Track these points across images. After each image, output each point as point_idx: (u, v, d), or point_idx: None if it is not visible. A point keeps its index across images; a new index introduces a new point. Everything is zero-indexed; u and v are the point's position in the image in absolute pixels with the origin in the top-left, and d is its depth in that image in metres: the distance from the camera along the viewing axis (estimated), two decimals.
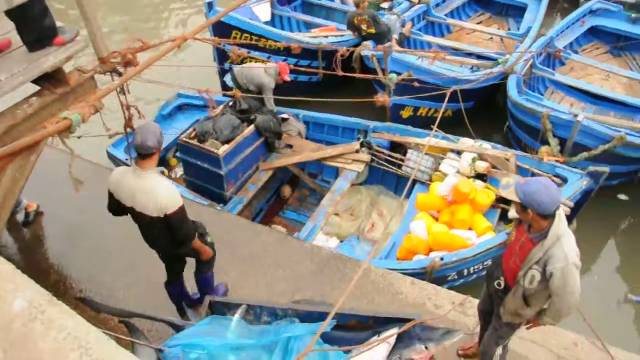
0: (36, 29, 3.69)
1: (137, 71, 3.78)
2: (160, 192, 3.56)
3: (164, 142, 3.82)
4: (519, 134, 7.47)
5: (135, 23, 12.17)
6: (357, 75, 5.81)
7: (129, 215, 3.84)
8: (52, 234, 5.68)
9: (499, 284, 3.39)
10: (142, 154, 3.53)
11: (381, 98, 5.45)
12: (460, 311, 4.61)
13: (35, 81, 3.74)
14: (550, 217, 2.96)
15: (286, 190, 7.22)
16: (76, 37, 3.88)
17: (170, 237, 3.80)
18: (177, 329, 3.82)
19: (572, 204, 5.68)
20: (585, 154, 6.45)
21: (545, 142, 6.81)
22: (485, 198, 5.96)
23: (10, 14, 3.55)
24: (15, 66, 3.64)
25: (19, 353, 2.28)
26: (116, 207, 3.82)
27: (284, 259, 5.24)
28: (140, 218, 3.72)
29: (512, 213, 5.80)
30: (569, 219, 5.88)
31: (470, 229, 5.89)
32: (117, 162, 6.64)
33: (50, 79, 3.80)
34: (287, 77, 7.01)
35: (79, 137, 3.73)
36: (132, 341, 3.89)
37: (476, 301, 3.95)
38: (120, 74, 3.98)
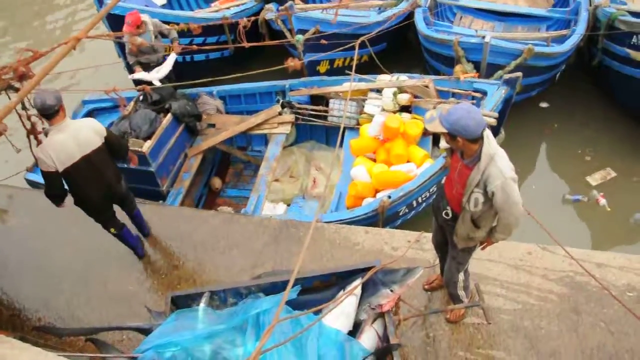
0: None
1: (36, 82, 3.54)
2: (88, 124, 4.16)
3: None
4: (435, 65, 7.59)
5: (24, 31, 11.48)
6: (264, 43, 5.69)
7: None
8: None
9: (446, 214, 3.48)
10: (49, 114, 3.86)
11: (292, 62, 5.34)
12: (417, 248, 4.74)
13: None
14: (479, 139, 3.03)
15: (216, 182, 7.04)
16: None
17: (113, 163, 4.39)
18: (145, 332, 3.74)
19: (496, 114, 5.88)
20: (500, 73, 6.59)
21: None
22: (415, 128, 6.07)
23: None
24: None
25: None
26: (60, 183, 4.12)
27: (236, 238, 5.20)
28: (89, 161, 4.09)
29: (443, 143, 5.92)
30: (497, 129, 6.11)
31: (408, 161, 6.01)
32: (39, 187, 6.28)
33: None
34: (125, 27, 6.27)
35: None
36: (103, 357, 3.81)
37: (431, 235, 4.05)
38: (17, 90, 3.74)
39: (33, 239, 5.53)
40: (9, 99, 4.03)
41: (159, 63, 6.84)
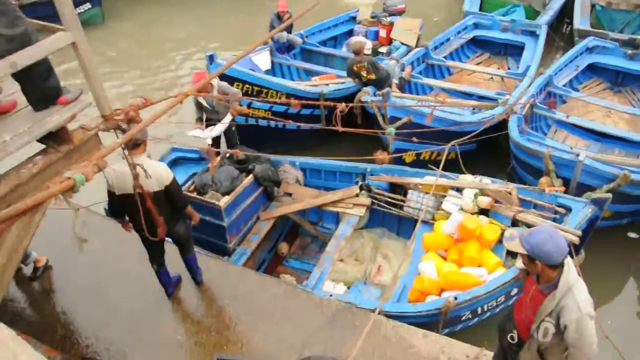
0: (41, 90, 3.73)
1: (140, 128, 3.77)
2: (157, 169, 4.44)
3: None
4: (522, 175, 7.43)
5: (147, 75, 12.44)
6: (357, 130, 5.82)
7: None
8: (60, 288, 5.63)
9: (512, 338, 3.30)
10: (132, 145, 4.22)
11: (380, 156, 5.45)
12: None
13: (40, 140, 3.76)
14: (559, 266, 2.91)
15: (283, 247, 7.07)
16: (79, 96, 3.92)
17: (169, 208, 4.63)
18: None
19: (580, 233, 5.56)
20: (589, 194, 6.25)
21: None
22: (492, 233, 5.88)
23: (15, 75, 3.58)
24: (21, 126, 3.65)
25: None
26: (118, 205, 4.59)
27: (293, 312, 5.15)
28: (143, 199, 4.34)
29: (519, 264, 5.70)
30: (578, 248, 5.78)
31: (480, 265, 5.79)
32: None
33: (54, 138, 3.81)
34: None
35: None
36: None
37: (491, 354, 3.84)
38: (124, 131, 4.01)
39: (100, 267, 5.74)
40: (117, 137, 4.33)
41: (218, 120, 7.18)
